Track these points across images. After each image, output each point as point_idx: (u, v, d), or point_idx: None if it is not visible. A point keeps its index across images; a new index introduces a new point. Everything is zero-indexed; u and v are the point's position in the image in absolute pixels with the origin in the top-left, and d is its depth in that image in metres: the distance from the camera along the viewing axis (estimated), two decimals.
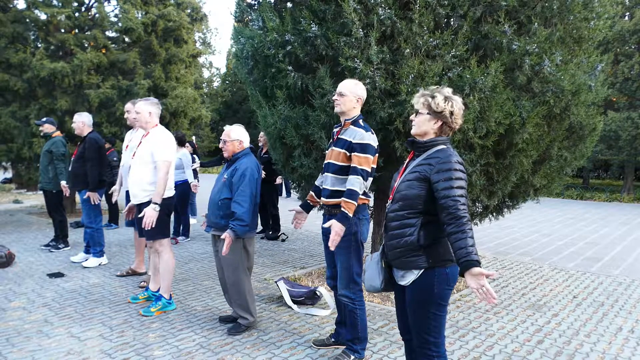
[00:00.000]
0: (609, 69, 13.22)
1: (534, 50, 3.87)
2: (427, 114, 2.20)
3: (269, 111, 4.61)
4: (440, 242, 2.17)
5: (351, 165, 2.92)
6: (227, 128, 3.62)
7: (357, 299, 3.07)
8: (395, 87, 3.87)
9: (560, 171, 4.92)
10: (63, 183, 5.95)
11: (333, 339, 3.36)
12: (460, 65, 3.84)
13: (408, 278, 2.20)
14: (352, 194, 2.87)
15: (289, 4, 4.79)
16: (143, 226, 3.79)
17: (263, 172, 6.59)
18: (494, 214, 5.06)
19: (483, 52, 3.98)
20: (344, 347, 3.23)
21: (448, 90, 2.24)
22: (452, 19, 4.04)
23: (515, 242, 7.56)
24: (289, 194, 13.73)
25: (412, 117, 2.29)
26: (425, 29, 3.80)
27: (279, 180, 7.24)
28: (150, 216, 3.79)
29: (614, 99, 14.72)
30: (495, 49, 3.94)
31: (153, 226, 3.82)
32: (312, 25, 3.98)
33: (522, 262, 6.12)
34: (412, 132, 2.28)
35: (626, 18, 15.47)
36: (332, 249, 2.84)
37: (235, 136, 3.54)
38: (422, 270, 2.16)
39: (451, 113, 2.19)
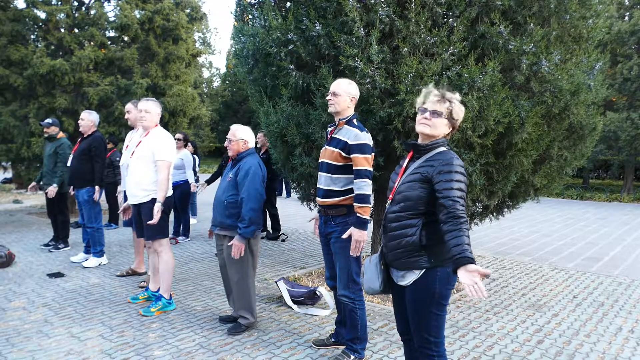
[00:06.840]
0: (608, 69, 13.23)
1: (531, 50, 3.86)
2: (446, 119, 2.21)
3: (272, 109, 4.61)
4: (442, 242, 2.16)
5: (354, 168, 2.92)
6: (233, 127, 3.64)
7: (357, 299, 3.07)
8: (394, 86, 3.87)
9: (561, 171, 4.92)
10: (54, 186, 5.81)
11: (333, 339, 3.36)
12: (459, 64, 3.84)
13: (409, 278, 2.20)
14: (363, 199, 2.88)
15: (288, 3, 4.78)
16: (151, 223, 3.80)
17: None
18: (494, 214, 5.06)
19: (481, 51, 3.97)
20: (344, 347, 3.23)
21: (457, 95, 2.26)
22: (450, 19, 4.04)
23: (515, 242, 7.56)
24: (289, 194, 13.71)
25: (425, 115, 2.22)
26: (423, 27, 3.80)
27: None
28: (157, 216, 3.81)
29: (614, 99, 14.72)
30: (492, 49, 3.94)
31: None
32: (315, 25, 3.98)
33: (522, 262, 6.12)
34: (426, 131, 2.22)
35: (625, 19, 15.48)
36: (356, 254, 2.93)
37: (241, 136, 3.57)
38: (423, 270, 2.16)
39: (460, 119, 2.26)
